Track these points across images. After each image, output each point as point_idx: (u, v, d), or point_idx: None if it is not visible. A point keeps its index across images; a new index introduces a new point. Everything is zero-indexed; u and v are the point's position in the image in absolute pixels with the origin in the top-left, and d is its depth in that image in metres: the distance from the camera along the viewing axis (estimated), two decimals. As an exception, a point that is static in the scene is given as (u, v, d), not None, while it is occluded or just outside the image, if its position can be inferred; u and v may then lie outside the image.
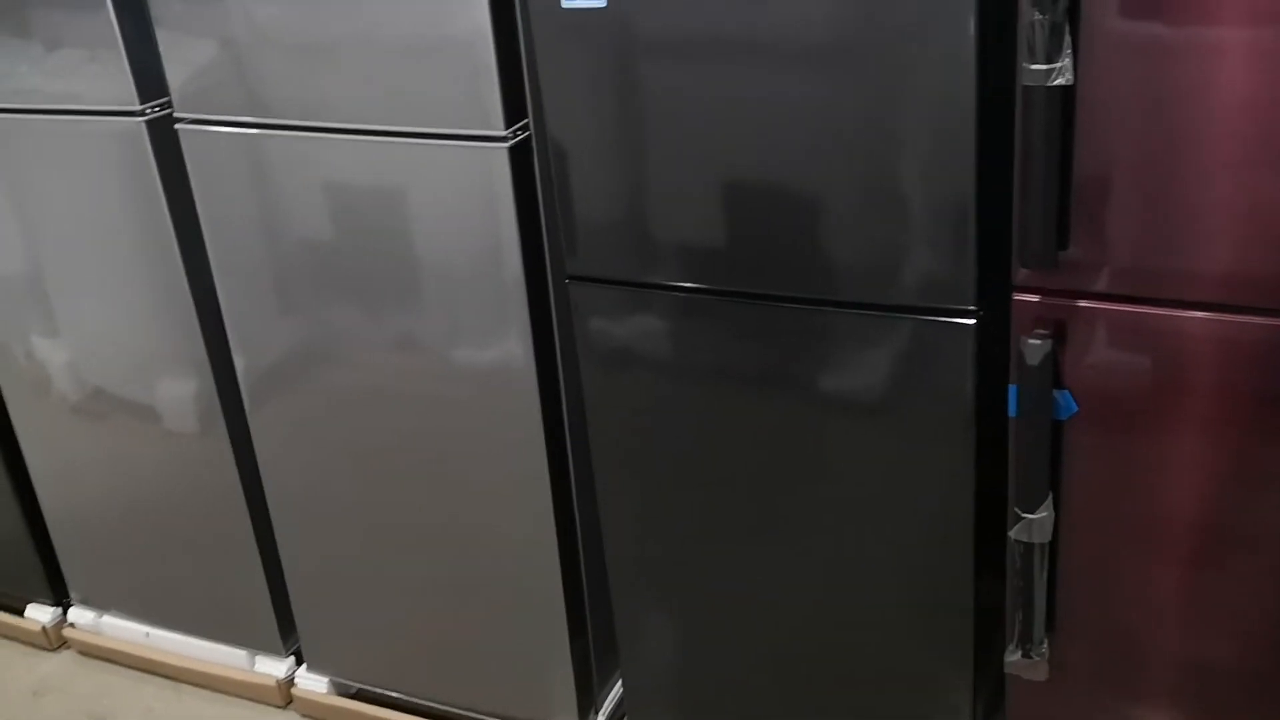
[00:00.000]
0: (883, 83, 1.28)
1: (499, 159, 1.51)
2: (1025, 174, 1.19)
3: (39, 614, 2.34)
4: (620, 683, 1.87)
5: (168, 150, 1.74)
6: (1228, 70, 1.12)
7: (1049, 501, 1.33)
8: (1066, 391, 1.29)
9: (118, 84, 1.72)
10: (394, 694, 2.03)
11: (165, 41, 1.67)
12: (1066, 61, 1.13)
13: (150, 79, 1.71)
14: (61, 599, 2.33)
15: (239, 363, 1.86)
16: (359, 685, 2.07)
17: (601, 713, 1.92)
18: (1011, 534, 1.36)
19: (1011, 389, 1.30)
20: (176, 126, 1.72)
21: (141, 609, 2.24)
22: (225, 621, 2.15)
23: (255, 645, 2.14)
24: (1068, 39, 1.13)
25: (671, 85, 1.38)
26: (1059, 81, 1.14)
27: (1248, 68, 1.11)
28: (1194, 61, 1.13)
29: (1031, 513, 1.33)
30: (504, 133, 1.49)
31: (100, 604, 2.29)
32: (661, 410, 1.58)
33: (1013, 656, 1.43)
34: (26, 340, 2.07)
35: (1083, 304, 1.26)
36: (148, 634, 2.24)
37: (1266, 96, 1.11)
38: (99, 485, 2.14)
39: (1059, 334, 1.27)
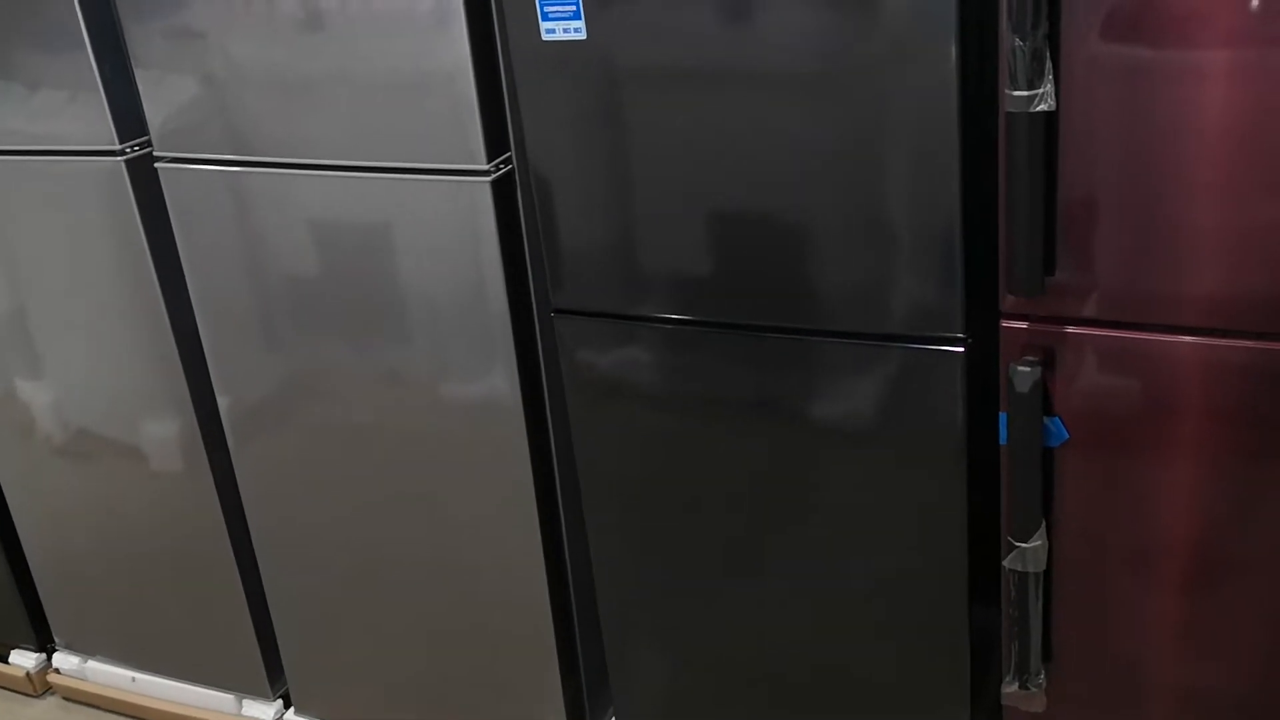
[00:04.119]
0: (866, 111, 1.27)
1: (481, 193, 1.50)
2: (1010, 200, 1.19)
3: (23, 660, 2.31)
4: (613, 718, 1.85)
5: (148, 189, 1.73)
6: (1210, 92, 1.12)
7: (1042, 530, 1.32)
8: (1057, 418, 1.28)
9: (97, 124, 1.71)
10: (384, 735, 2.01)
11: (144, 81, 1.67)
12: (1048, 87, 1.13)
13: (130, 118, 1.71)
14: (46, 644, 2.31)
15: (222, 401, 1.85)
16: (348, 727, 2.05)
17: (595, 750, 1.90)
18: (1005, 563, 1.34)
19: (1001, 416, 1.29)
20: (156, 165, 1.71)
21: (127, 653, 2.21)
22: (212, 665, 2.12)
23: (242, 689, 2.11)
24: (1049, 64, 1.13)
25: (654, 116, 1.38)
26: (1041, 107, 1.14)
27: (1230, 89, 1.11)
28: (1176, 84, 1.12)
29: (1025, 541, 1.32)
30: (486, 166, 1.49)
31: (85, 649, 2.26)
32: (649, 442, 1.57)
33: (1010, 688, 1.41)
34: (8, 381, 2.05)
35: (1071, 330, 1.25)
36: (133, 679, 2.21)
37: (1250, 118, 1.11)
38: (82, 528, 2.12)
39: (1048, 360, 1.27)
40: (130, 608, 2.16)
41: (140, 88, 1.68)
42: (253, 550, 1.96)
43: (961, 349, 1.33)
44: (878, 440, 1.43)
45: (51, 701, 2.31)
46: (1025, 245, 1.19)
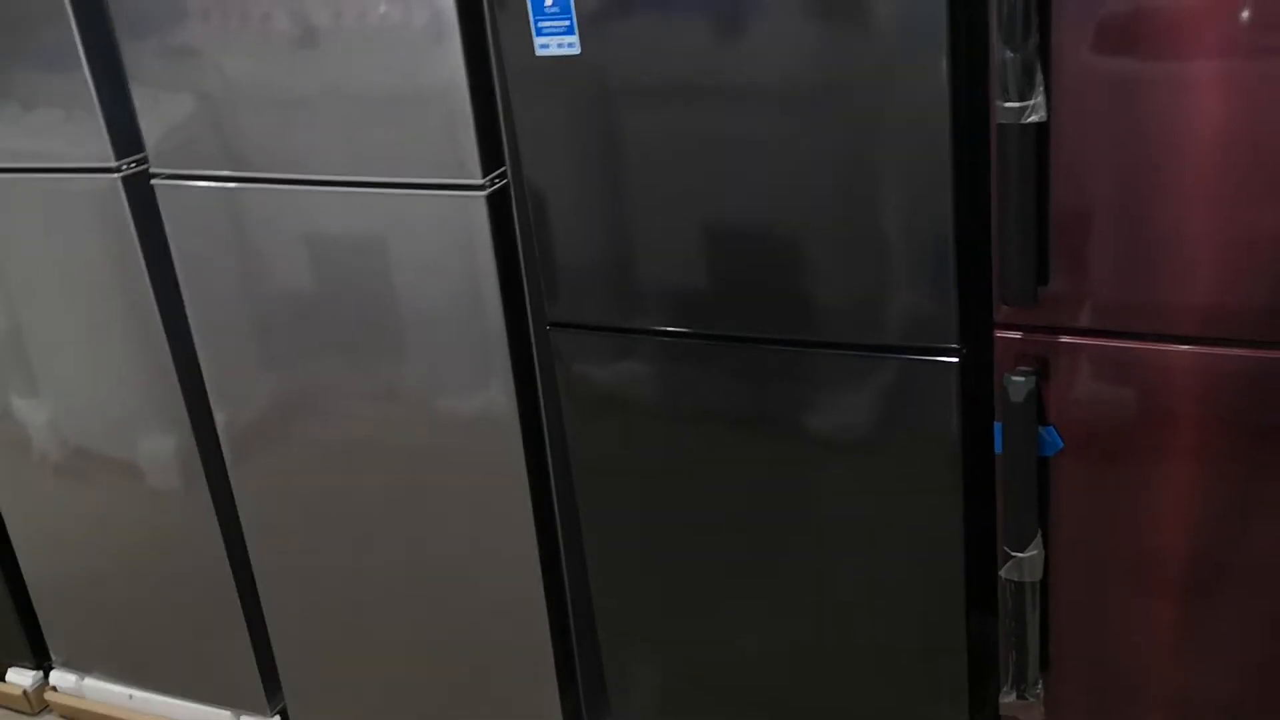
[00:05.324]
0: (858, 123, 1.28)
1: (477, 207, 1.50)
2: (1003, 211, 1.19)
3: (20, 678, 2.30)
4: (612, 733, 1.85)
5: (144, 206, 1.74)
6: (1202, 103, 1.12)
7: (1038, 539, 1.32)
8: (1051, 427, 1.29)
9: (93, 141, 1.71)
10: (382, 751, 2.00)
11: (140, 98, 1.67)
12: (1040, 99, 1.14)
13: (126, 136, 1.71)
14: (43, 662, 2.30)
15: (219, 418, 1.85)
16: (347, 743, 2.04)
17: (594, 765, 1.89)
18: (1002, 573, 1.34)
19: (996, 426, 1.29)
20: (152, 182, 1.72)
21: (124, 671, 2.21)
22: (210, 682, 2.11)
23: (240, 706, 2.11)
24: (1040, 76, 1.13)
25: (648, 130, 1.39)
26: (1033, 119, 1.14)
27: (1222, 100, 1.11)
28: (1168, 95, 1.13)
29: (1021, 551, 1.32)
30: (481, 181, 1.49)
31: (82, 666, 2.26)
32: (647, 455, 1.57)
33: (1008, 697, 1.41)
34: (4, 399, 2.05)
35: (1065, 339, 1.26)
36: (131, 696, 2.21)
37: (1242, 128, 1.11)
38: (79, 545, 2.12)
39: (1042, 370, 1.27)
40: (127, 625, 2.15)
41: (136, 105, 1.68)
42: (250, 566, 1.95)
43: (956, 359, 1.33)
44: (873, 450, 1.43)
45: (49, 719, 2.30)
46: (1018, 255, 1.20)
